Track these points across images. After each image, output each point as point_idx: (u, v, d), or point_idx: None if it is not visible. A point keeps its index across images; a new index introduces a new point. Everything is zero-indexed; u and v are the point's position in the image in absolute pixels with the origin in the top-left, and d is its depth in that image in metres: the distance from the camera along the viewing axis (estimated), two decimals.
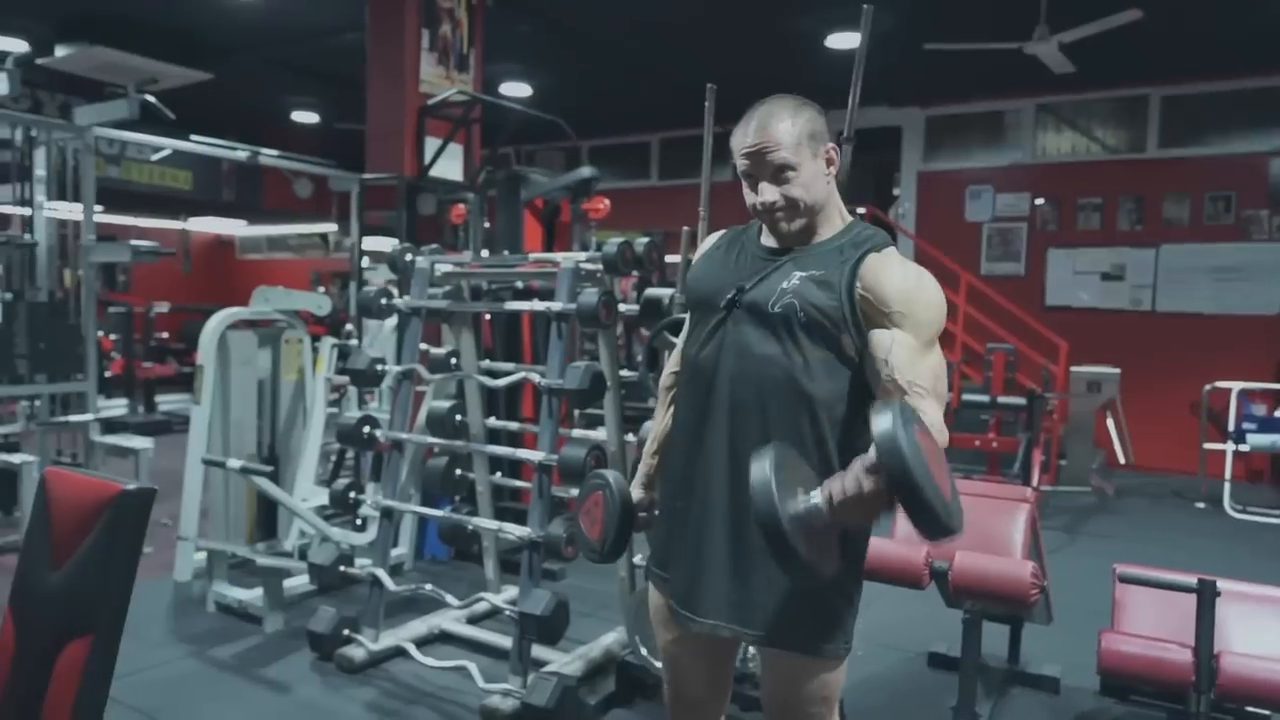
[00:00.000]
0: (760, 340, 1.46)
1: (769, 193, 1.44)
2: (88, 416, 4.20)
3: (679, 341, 1.69)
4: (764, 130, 1.43)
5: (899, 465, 1.10)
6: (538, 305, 2.97)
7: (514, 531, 2.79)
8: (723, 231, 1.66)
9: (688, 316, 1.65)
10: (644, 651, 2.47)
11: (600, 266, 2.84)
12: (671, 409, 1.66)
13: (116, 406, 7.32)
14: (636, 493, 1.68)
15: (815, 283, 1.44)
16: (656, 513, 1.66)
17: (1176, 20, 5.34)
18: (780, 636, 1.46)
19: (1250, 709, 2.20)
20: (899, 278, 1.42)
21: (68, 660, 1.39)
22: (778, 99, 1.47)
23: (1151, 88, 7.10)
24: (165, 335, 9.64)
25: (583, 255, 2.89)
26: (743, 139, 1.45)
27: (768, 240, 1.54)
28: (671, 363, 1.72)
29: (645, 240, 2.75)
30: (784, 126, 1.43)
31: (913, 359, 1.38)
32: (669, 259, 3.27)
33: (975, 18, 5.60)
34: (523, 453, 2.92)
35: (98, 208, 4.30)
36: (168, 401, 8.42)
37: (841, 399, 1.43)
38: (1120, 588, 2.36)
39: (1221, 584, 2.09)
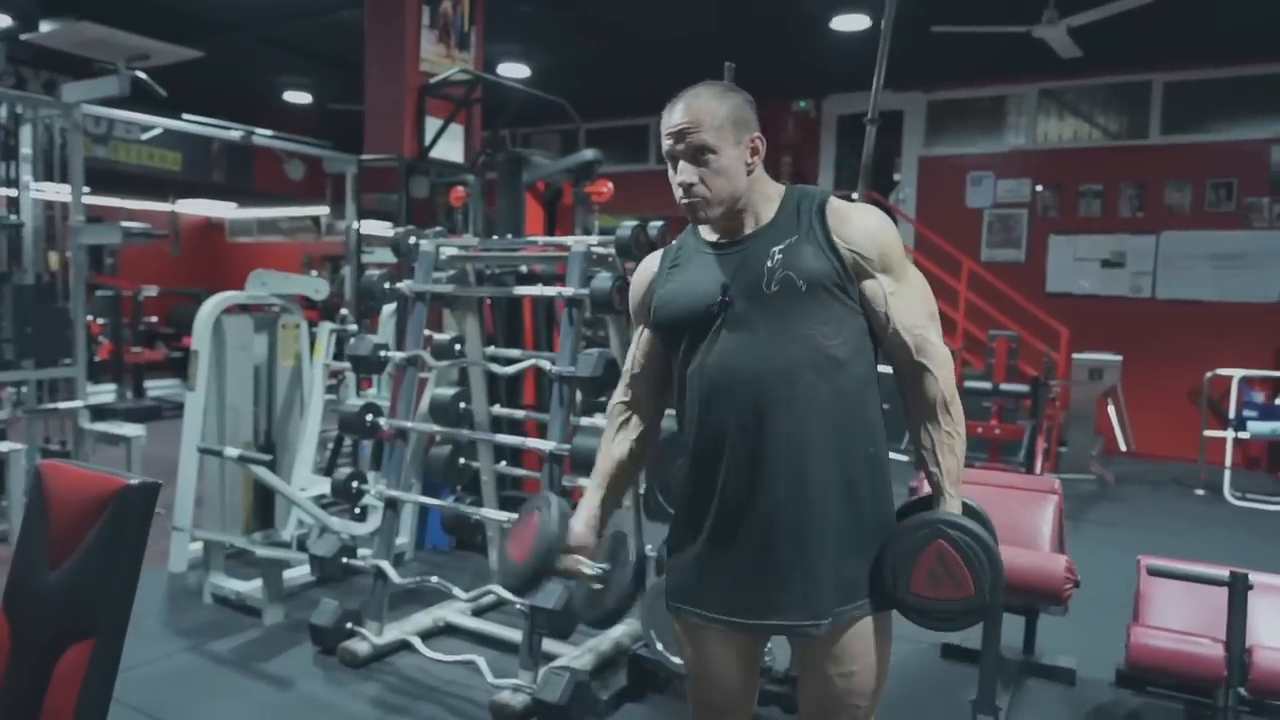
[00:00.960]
0: (770, 327, 1.41)
1: (687, 173, 1.43)
2: (77, 403, 4.10)
3: (630, 367, 1.61)
4: (688, 110, 1.42)
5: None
6: (549, 290, 2.88)
7: None
8: (656, 254, 1.60)
9: (644, 339, 1.59)
10: (659, 646, 2.41)
11: (611, 251, 2.76)
12: (625, 435, 1.60)
13: (105, 392, 7.19)
14: (578, 527, 1.55)
15: (797, 250, 1.42)
16: (594, 568, 1.54)
17: (1183, 4, 5.27)
18: (848, 605, 1.44)
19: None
20: (862, 226, 1.45)
21: (67, 665, 1.32)
22: (707, 83, 1.46)
23: (1154, 73, 7.04)
24: (154, 319, 9.50)
25: (594, 239, 2.81)
26: (668, 119, 1.44)
27: (713, 237, 1.51)
28: (620, 391, 1.62)
29: (659, 224, 2.67)
30: (708, 109, 1.41)
31: (907, 301, 1.45)
32: None
33: (984, 1, 5.52)
34: (534, 442, 2.85)
35: (85, 189, 4.18)
36: (157, 387, 8.30)
37: (862, 353, 1.45)
38: (1144, 579, 2.32)
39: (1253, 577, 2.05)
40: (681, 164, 1.43)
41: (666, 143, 1.45)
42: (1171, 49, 6.58)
